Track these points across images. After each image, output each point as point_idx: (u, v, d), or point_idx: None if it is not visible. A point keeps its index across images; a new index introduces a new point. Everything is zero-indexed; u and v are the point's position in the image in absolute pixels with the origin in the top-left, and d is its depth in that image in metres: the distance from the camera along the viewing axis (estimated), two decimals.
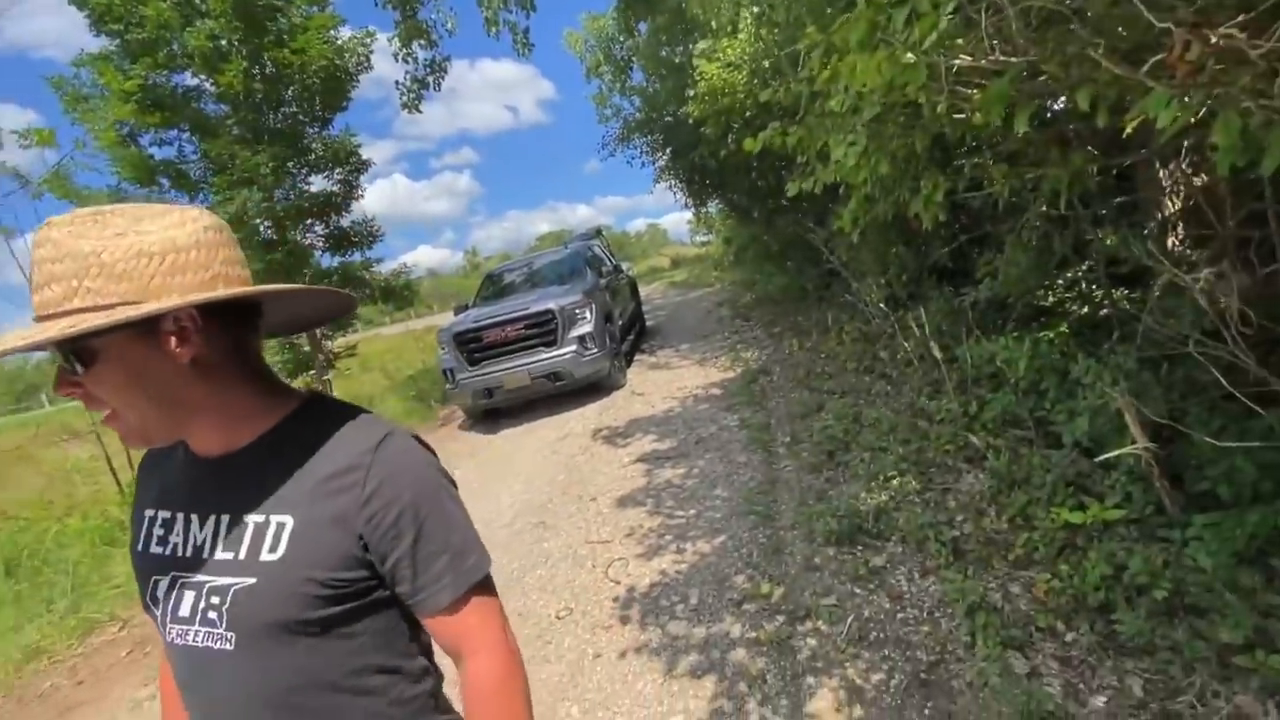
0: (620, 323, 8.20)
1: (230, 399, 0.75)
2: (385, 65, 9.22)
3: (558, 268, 8.36)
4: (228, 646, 0.71)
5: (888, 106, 2.16)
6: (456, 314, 7.82)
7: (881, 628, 2.32)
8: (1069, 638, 1.99)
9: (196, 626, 0.73)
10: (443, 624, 0.78)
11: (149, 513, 0.81)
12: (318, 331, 9.57)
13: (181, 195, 9.60)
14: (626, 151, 12.89)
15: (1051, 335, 2.89)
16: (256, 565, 0.72)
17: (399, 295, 11.23)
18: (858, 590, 2.57)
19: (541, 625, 2.83)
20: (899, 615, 2.38)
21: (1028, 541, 2.38)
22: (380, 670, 0.77)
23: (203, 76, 8.86)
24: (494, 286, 8.47)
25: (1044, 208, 2.71)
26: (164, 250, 0.68)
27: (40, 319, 0.65)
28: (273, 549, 0.72)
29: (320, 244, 10.21)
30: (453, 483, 0.83)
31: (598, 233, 10.98)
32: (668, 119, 11.63)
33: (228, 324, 0.74)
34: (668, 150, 12.13)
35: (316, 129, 10.05)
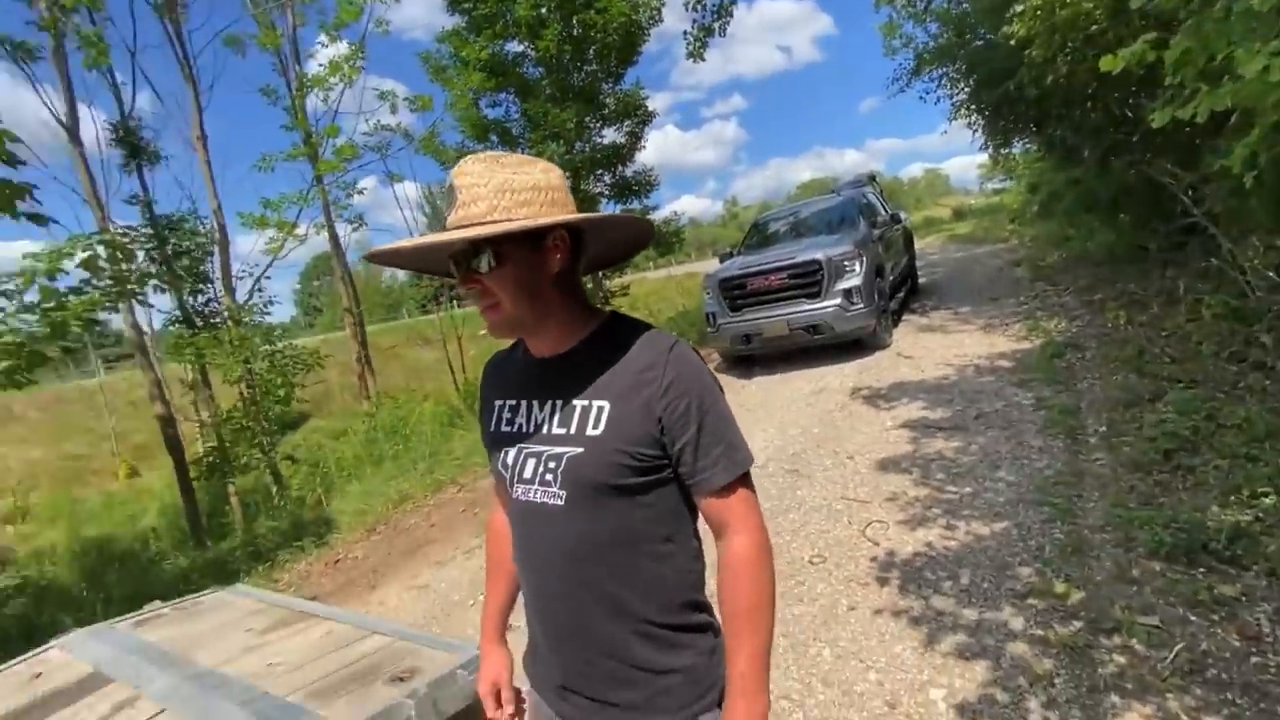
0: (891, 278, 7.59)
1: (567, 308, 0.95)
2: (667, 17, 9.56)
3: (827, 216, 8.00)
4: (559, 502, 0.90)
5: None
6: (721, 261, 8.04)
7: (1226, 668, 1.89)
8: None
9: (536, 486, 0.93)
10: (713, 504, 0.91)
11: (498, 402, 1.04)
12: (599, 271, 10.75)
13: (504, 149, 11.43)
14: (918, 85, 11.50)
15: None
16: (584, 438, 0.90)
17: (667, 242, 11.97)
18: (1193, 617, 2.11)
19: (795, 566, 2.92)
20: (1253, 659, 1.90)
21: None
22: (668, 539, 0.93)
23: (526, 43, 10.22)
24: (760, 234, 8.46)
25: None
26: (545, 187, 0.89)
27: (459, 227, 0.86)
28: (595, 426, 0.89)
29: (606, 193, 11.30)
30: (721, 390, 0.96)
31: (871, 179, 10.15)
32: (976, 44, 10.00)
33: (573, 249, 0.93)
34: (971, 80, 10.49)
35: (610, 85, 10.97)
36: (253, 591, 3.09)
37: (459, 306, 13.74)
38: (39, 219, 3.50)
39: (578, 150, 10.26)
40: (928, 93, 11.64)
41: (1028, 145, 13.01)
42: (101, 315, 4.46)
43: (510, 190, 0.86)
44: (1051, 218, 13.18)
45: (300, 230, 8.39)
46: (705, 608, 0.99)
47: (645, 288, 19.16)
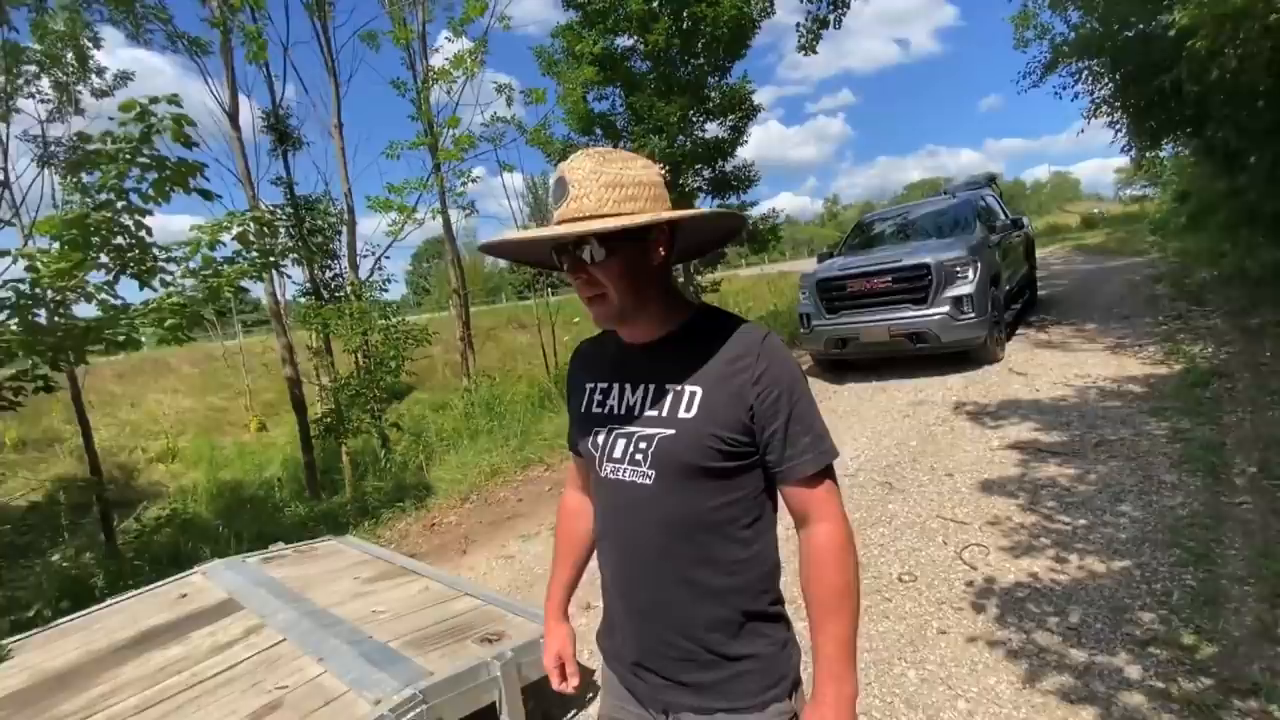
0: (1008, 288, 7.06)
1: (663, 298, 0.98)
2: (779, 8, 9.32)
3: (940, 219, 7.54)
4: (648, 481, 0.93)
5: None
6: (820, 260, 7.78)
7: None
8: None
9: (626, 465, 0.96)
10: (799, 492, 0.93)
11: (589, 385, 1.07)
12: (691, 265, 10.74)
13: (608, 142, 11.61)
14: (1052, 80, 10.58)
15: None
16: (676, 420, 0.92)
17: (762, 239, 11.76)
18: None
19: (882, 582, 2.81)
20: None
21: None
22: (750, 526, 0.95)
23: (636, 37, 10.32)
24: (864, 235, 8.11)
25: None
26: (648, 183, 0.92)
27: (569, 220, 0.89)
28: (687, 409, 0.92)
29: (705, 187, 11.23)
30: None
31: (990, 180, 9.44)
32: (1126, 35, 9.06)
33: (670, 243, 0.96)
34: (1117, 75, 9.53)
35: (716, 78, 10.87)
36: (360, 543, 3.38)
37: (554, 294, 14.18)
38: (207, 195, 3.97)
39: (679, 144, 10.26)
40: (1064, 88, 10.68)
41: (1179, 149, 11.67)
42: (246, 283, 4.97)
43: (618, 185, 0.90)
44: (1203, 230, 11.76)
45: (419, 215, 8.93)
46: (780, 599, 1.00)
47: (736, 285, 18.93)
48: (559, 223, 0.90)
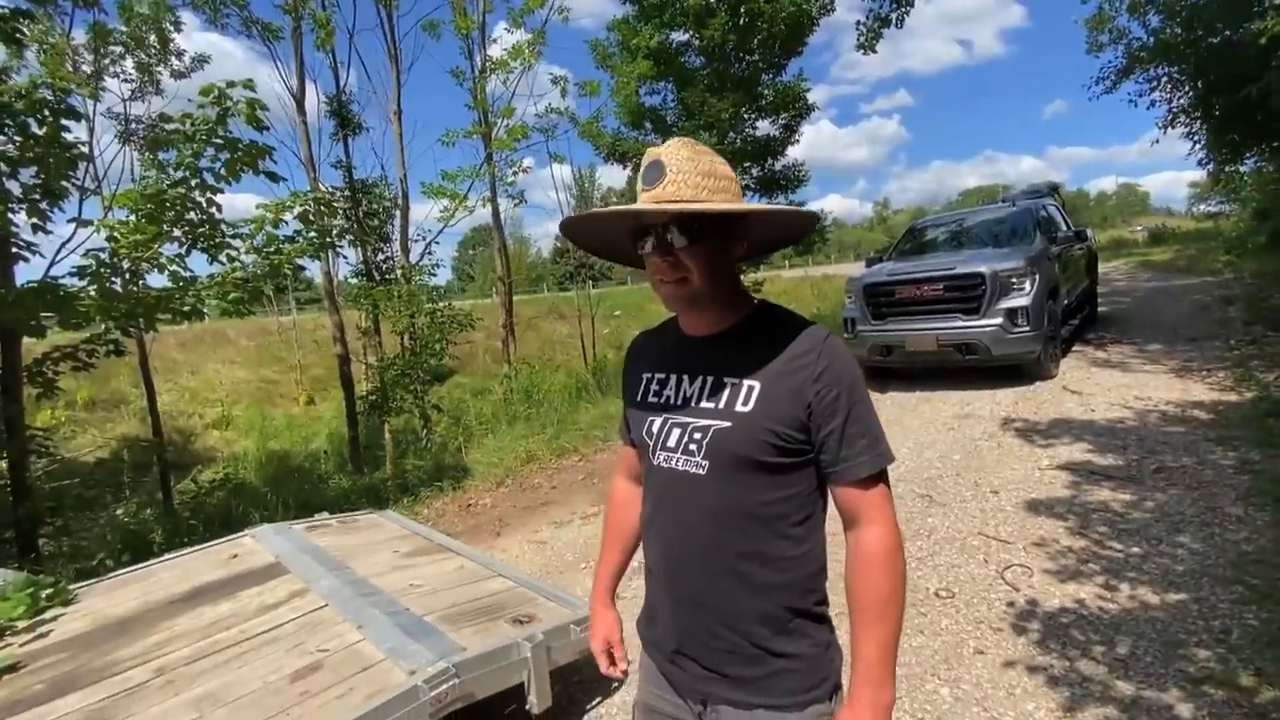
0: (1067, 302, 6.78)
1: (732, 290, 1.00)
2: (839, 6, 9.12)
3: (997, 227, 7.28)
4: (701, 472, 0.94)
5: None
6: (868, 265, 7.62)
7: None
8: None
9: (679, 455, 0.97)
10: (851, 493, 0.92)
11: (645, 374, 1.08)
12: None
13: (656, 138, 11.59)
14: (1127, 87, 10.09)
15: None
16: (732, 413, 0.93)
17: (809, 240, 11.56)
18: None
19: (918, 596, 2.74)
20: None
21: None
22: (800, 524, 0.95)
23: (692, 32, 10.26)
24: (916, 240, 7.89)
25: None
26: (732, 178, 0.96)
27: (661, 203, 0.90)
28: (745, 403, 0.92)
29: (753, 185, 11.11)
30: None
31: (1053, 190, 9.06)
32: (1210, 41, 8.57)
33: (746, 238, 0.99)
34: (1198, 84, 9.02)
35: (771, 75, 10.73)
36: (400, 518, 3.47)
37: (595, 286, 14.26)
38: (274, 176, 4.14)
39: (729, 141, 10.18)
40: (1139, 96, 10.19)
41: (1262, 163, 10.97)
42: (303, 261, 5.17)
43: (712, 176, 0.92)
44: None
45: (470, 202, 9.11)
46: (825, 600, 0.99)
47: (778, 286, 18.69)
48: (655, 202, 0.91)
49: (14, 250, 3.81)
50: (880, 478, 0.92)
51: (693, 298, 0.95)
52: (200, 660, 1.88)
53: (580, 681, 2.41)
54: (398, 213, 9.23)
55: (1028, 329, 5.66)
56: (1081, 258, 7.99)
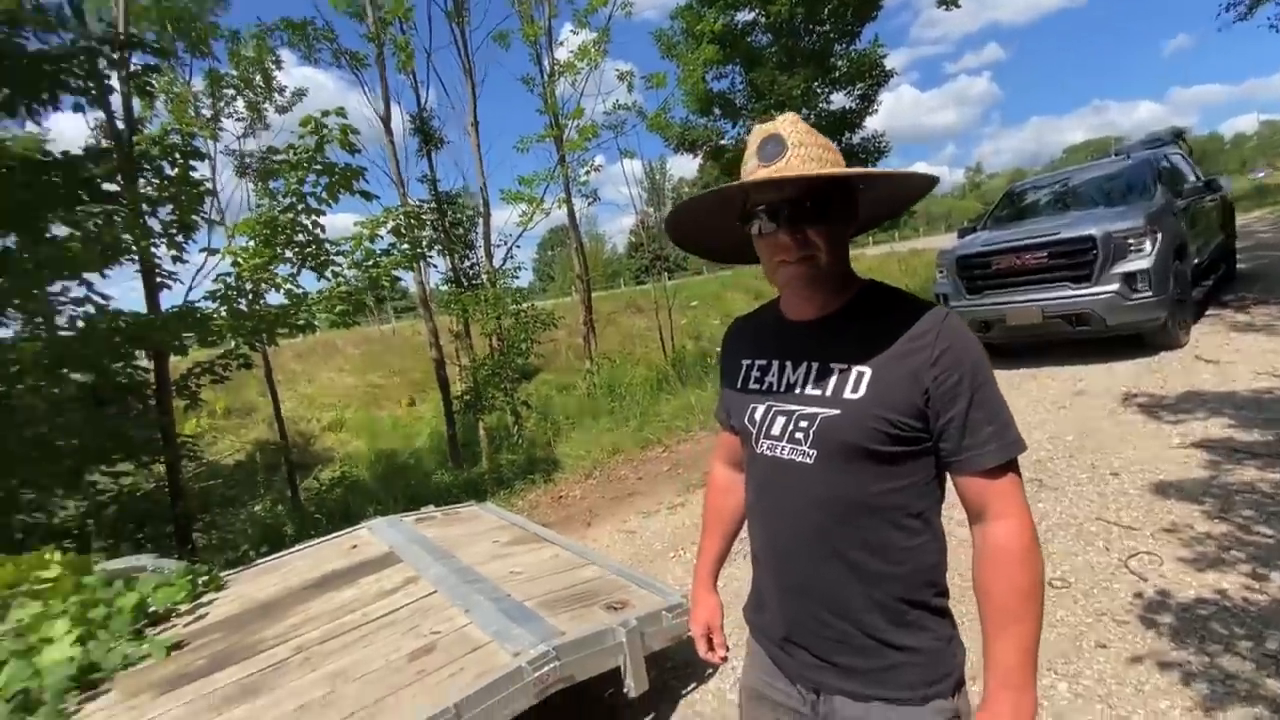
0: (1197, 261, 6.08)
1: (845, 270, 0.95)
2: None
3: (1109, 183, 6.61)
4: (808, 460, 0.91)
5: None
6: (961, 236, 7.15)
7: None
8: None
9: (784, 443, 0.93)
10: (978, 485, 0.86)
11: (745, 361, 1.05)
12: None
13: (726, 123, 11.40)
14: (1268, 10, 8.85)
15: None
16: (841, 401, 0.89)
17: None
18: None
19: None
20: None
21: None
22: (917, 515, 0.90)
23: (758, 10, 10.00)
24: (1014, 206, 7.32)
25: None
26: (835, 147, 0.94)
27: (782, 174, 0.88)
28: (854, 390, 0.88)
29: None
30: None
31: (1178, 136, 8.08)
32: None
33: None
34: None
35: (844, 45, 10.28)
36: (497, 510, 3.66)
37: (670, 278, 14.29)
38: (367, 195, 4.47)
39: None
40: None
41: None
42: (398, 272, 5.54)
43: (830, 149, 0.91)
44: None
45: (546, 205, 9.37)
46: (945, 593, 0.94)
47: (863, 264, 17.92)
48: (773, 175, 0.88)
49: (158, 280, 4.34)
50: (1010, 467, 0.86)
51: (820, 276, 0.92)
52: (330, 640, 2.08)
53: (673, 667, 2.46)
54: (480, 220, 9.65)
55: (1149, 294, 5.12)
56: (1214, 210, 7.13)
